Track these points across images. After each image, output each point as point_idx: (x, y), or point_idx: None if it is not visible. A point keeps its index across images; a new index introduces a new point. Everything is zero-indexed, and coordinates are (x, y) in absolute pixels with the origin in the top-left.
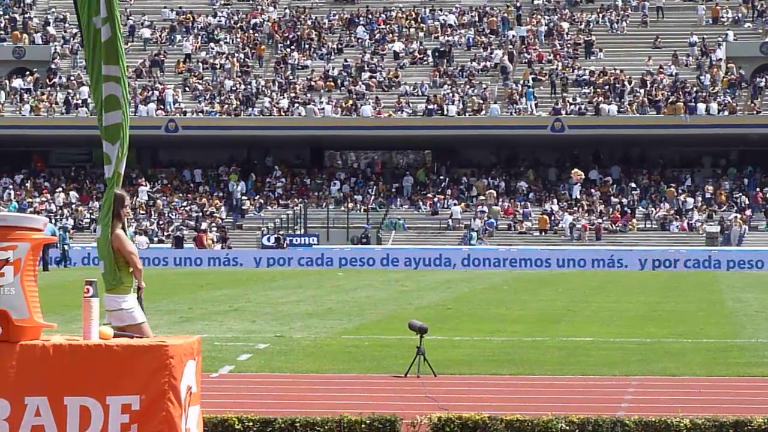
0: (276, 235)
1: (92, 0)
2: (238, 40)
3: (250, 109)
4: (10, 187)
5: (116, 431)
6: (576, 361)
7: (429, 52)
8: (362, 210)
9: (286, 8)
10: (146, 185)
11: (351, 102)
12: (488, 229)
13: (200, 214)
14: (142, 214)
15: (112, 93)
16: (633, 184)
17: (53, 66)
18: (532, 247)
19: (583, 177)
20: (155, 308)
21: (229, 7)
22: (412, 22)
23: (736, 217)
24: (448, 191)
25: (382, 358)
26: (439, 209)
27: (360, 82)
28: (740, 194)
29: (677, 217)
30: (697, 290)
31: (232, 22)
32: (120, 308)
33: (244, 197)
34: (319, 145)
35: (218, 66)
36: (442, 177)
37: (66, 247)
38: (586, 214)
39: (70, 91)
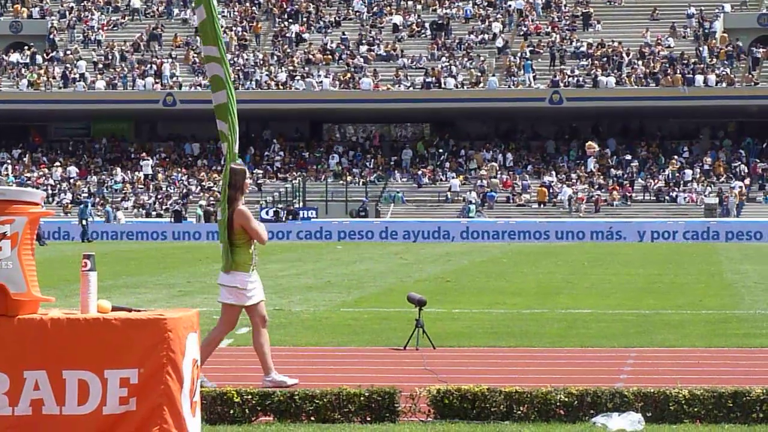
0: (275, 209)
1: None
2: (236, 13)
3: (248, 82)
4: (8, 161)
5: (115, 404)
6: (575, 333)
7: (427, 25)
8: (361, 183)
9: None
10: (148, 159)
11: (349, 75)
12: (487, 201)
13: (199, 188)
14: (141, 188)
15: (215, 73)
16: (630, 156)
17: (51, 40)
18: (530, 219)
19: (597, 149)
20: (154, 282)
21: None
22: None
23: (733, 188)
24: (447, 164)
25: (381, 331)
26: (438, 182)
27: (358, 56)
28: (739, 164)
29: (675, 188)
30: (695, 262)
31: None
32: (235, 286)
33: None
34: (317, 118)
35: None
36: (440, 150)
37: (85, 222)
38: (585, 187)
39: (68, 65)
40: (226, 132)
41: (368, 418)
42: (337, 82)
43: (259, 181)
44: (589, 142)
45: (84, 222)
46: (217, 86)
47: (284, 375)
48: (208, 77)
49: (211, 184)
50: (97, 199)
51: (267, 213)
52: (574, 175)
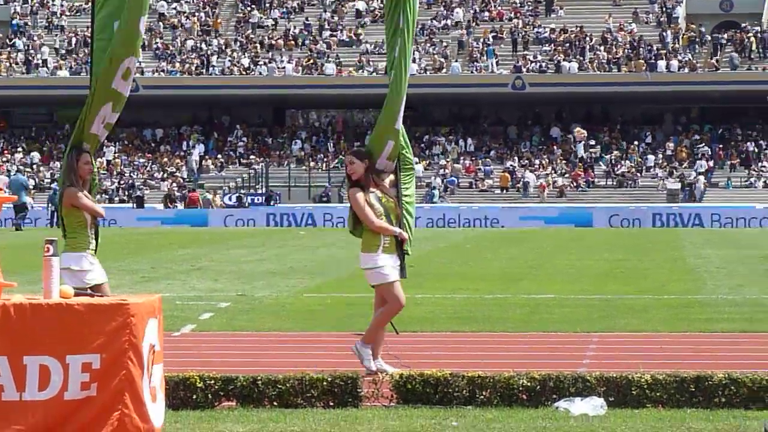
0: (237, 194)
1: None
2: None
3: (211, 68)
4: None
5: (76, 390)
6: (538, 318)
7: None
8: (324, 168)
9: None
10: (111, 145)
11: (312, 61)
12: (450, 187)
13: (162, 173)
14: (104, 173)
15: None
16: (593, 141)
17: (13, 26)
18: (493, 205)
19: (586, 134)
20: (117, 268)
21: None
22: None
23: (701, 173)
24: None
25: (344, 317)
26: None
27: (321, 41)
28: (702, 146)
29: (638, 174)
30: (659, 247)
31: None
32: (368, 267)
33: (206, 157)
34: (280, 104)
35: (179, 25)
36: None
37: (54, 207)
38: (548, 172)
39: (32, 51)
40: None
41: (331, 403)
42: (300, 68)
43: (221, 167)
44: (578, 128)
45: (54, 207)
46: (391, 65)
47: (386, 363)
48: (392, 55)
49: (174, 170)
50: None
51: (230, 198)
52: (537, 161)
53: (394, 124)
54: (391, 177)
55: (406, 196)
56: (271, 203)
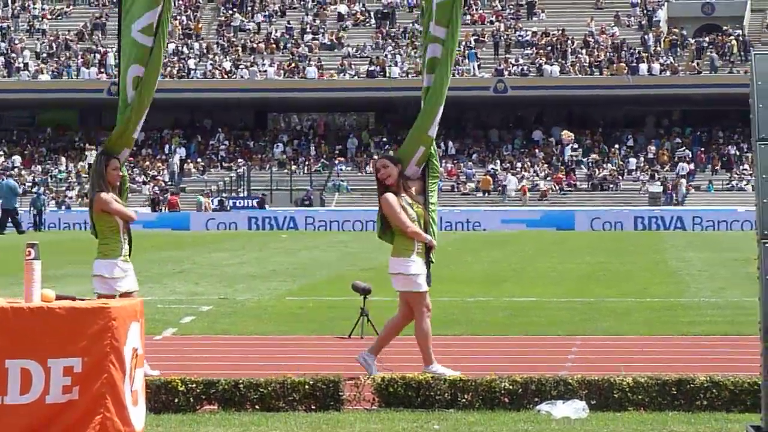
0: (220, 198)
1: None
2: (180, 2)
3: (192, 72)
4: None
5: (58, 394)
6: (520, 321)
7: (372, 14)
8: (305, 172)
9: None
10: (93, 148)
11: (294, 64)
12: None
13: (144, 177)
14: (86, 177)
15: (434, 56)
16: (575, 145)
17: None
18: (475, 208)
19: (573, 137)
20: None
21: None
22: None
23: (683, 176)
24: (392, 153)
25: (326, 320)
26: None
27: (303, 44)
28: (684, 149)
29: (620, 177)
30: (641, 250)
31: None
32: (399, 272)
33: (188, 160)
34: (262, 107)
35: None
36: (385, 139)
37: (36, 212)
38: (530, 176)
39: (13, 54)
40: (423, 116)
41: (313, 407)
42: (281, 71)
43: (203, 170)
44: (565, 131)
45: (36, 211)
46: (431, 68)
47: (443, 365)
48: (426, 57)
49: (156, 173)
50: (42, 189)
51: (212, 202)
52: (519, 164)
53: (428, 131)
54: (418, 184)
55: (431, 203)
56: (265, 206)
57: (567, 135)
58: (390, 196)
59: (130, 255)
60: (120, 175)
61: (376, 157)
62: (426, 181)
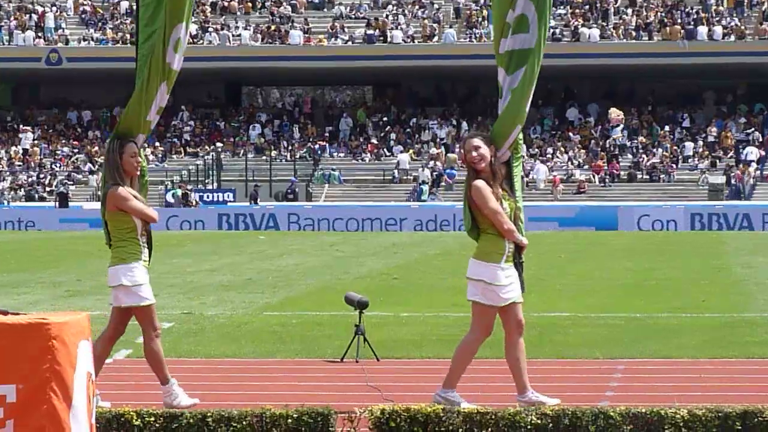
0: (183, 191)
1: None
2: None
3: None
4: None
5: None
6: (549, 341)
7: None
8: (288, 159)
9: None
10: (28, 130)
11: (274, 27)
12: (445, 181)
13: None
14: (19, 165)
15: (523, 12)
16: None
17: None
18: None
19: (623, 116)
20: (36, 280)
21: None
22: None
23: (748, 164)
24: (393, 135)
25: (313, 339)
26: (383, 158)
27: (285, 3)
28: (753, 130)
29: (673, 165)
30: (696, 254)
31: None
32: (481, 279)
33: (144, 145)
34: (235, 80)
35: None
36: (385, 118)
37: None
38: (563, 164)
39: None
40: (506, 86)
41: None
42: (259, 36)
43: (163, 157)
44: (613, 108)
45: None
46: (520, 27)
47: (541, 394)
48: (515, 14)
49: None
50: None
51: (173, 196)
52: (549, 149)
53: (526, 106)
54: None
55: (517, 191)
56: (256, 202)
57: (616, 113)
58: (482, 185)
59: (149, 262)
60: (139, 164)
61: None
62: (510, 165)
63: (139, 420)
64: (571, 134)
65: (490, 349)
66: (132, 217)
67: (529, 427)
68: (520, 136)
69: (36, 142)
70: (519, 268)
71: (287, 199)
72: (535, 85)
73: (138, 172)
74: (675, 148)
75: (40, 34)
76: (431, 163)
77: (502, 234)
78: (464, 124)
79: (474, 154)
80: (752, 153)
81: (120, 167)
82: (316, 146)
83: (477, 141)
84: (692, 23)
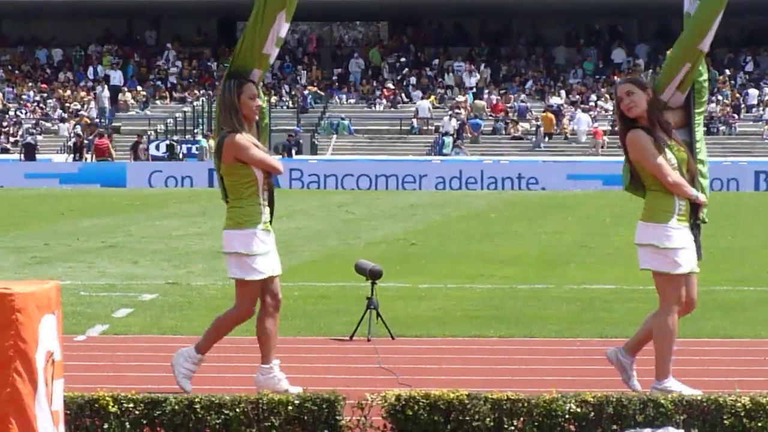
0: (168, 142)
1: None
2: None
3: None
4: None
5: None
6: (592, 317)
7: None
8: (290, 105)
9: None
10: None
11: None
12: (470, 133)
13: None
14: None
15: None
16: None
17: None
18: (530, 158)
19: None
20: None
21: None
22: None
23: None
24: (412, 79)
25: (318, 314)
26: (400, 105)
27: None
28: None
29: (735, 115)
30: (763, 218)
31: None
32: (650, 243)
33: (124, 88)
34: (228, 13)
35: None
36: (403, 59)
37: None
38: (608, 114)
39: None
40: None
41: None
42: None
43: (146, 103)
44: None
45: None
46: None
47: (679, 382)
48: None
49: (79, 107)
50: None
51: (157, 147)
52: (593, 97)
53: (700, 41)
54: (679, 114)
55: (698, 142)
56: (293, 154)
57: None
58: (639, 134)
59: (271, 222)
60: (259, 107)
61: (618, 78)
62: (691, 111)
63: (116, 406)
64: (617, 79)
65: (522, 326)
66: (253, 169)
67: (567, 416)
68: (704, 76)
69: None
70: (696, 229)
71: (289, 152)
72: (712, 23)
73: (256, 118)
74: (737, 95)
75: None
76: (455, 111)
77: (668, 189)
78: (494, 68)
79: (626, 99)
80: None
81: (238, 111)
82: (323, 91)
83: (628, 86)
84: None
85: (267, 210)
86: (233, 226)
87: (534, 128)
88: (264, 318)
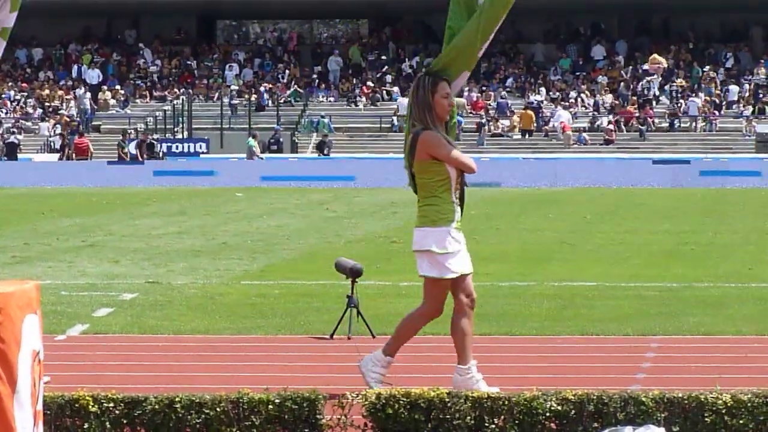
0: (149, 141)
1: None
2: None
3: None
4: None
5: None
6: (573, 314)
7: None
8: (271, 104)
9: None
10: None
11: None
12: None
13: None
14: None
15: None
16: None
17: None
18: (511, 155)
19: (665, 66)
20: None
21: None
22: None
23: None
24: (392, 77)
25: (298, 313)
26: (380, 102)
27: None
28: None
29: (715, 112)
30: (745, 215)
31: None
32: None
33: (103, 87)
34: (208, 12)
35: None
36: (383, 57)
37: None
38: (588, 111)
39: None
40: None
41: None
42: None
43: (125, 102)
44: (654, 55)
45: None
46: None
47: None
48: None
49: (58, 106)
50: None
51: (137, 147)
52: (572, 93)
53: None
54: None
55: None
56: (325, 153)
57: (655, 61)
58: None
59: (460, 222)
60: (451, 105)
61: (370, 83)
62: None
63: (96, 406)
64: (597, 76)
65: (506, 323)
66: (446, 167)
67: (548, 414)
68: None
69: None
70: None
71: (270, 150)
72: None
73: (448, 117)
74: (717, 92)
75: None
76: None
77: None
78: (481, 64)
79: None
80: None
81: (432, 108)
82: (303, 89)
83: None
84: None
85: (459, 210)
86: (427, 224)
87: (512, 124)
88: (459, 317)
